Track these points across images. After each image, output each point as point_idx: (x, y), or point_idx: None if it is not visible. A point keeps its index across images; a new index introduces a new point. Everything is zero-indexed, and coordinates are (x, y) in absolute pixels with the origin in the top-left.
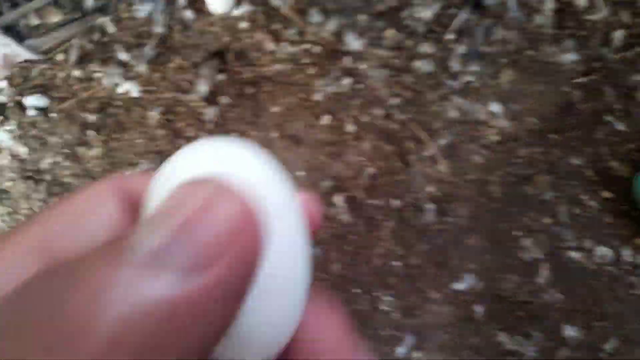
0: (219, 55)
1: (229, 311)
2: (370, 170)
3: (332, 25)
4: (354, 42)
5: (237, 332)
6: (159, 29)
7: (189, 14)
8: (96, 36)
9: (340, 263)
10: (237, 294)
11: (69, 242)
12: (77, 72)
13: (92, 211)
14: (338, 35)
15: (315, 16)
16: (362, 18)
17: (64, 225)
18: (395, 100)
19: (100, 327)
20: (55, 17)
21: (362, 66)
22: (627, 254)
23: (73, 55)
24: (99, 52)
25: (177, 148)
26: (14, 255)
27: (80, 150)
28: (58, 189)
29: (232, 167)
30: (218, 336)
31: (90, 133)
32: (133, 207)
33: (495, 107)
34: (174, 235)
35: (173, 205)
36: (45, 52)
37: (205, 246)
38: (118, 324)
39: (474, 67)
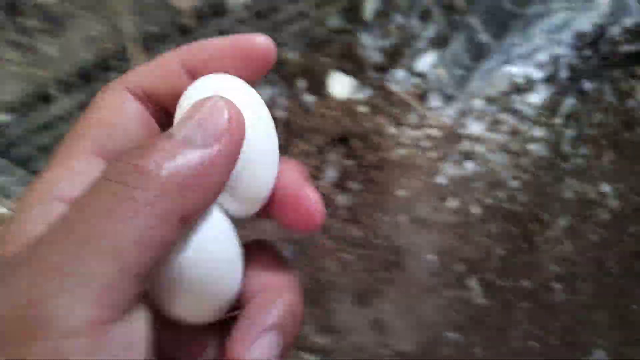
0: (343, 139)
1: (230, 166)
2: (499, 251)
3: (451, 110)
4: (472, 126)
5: (234, 185)
6: (280, 113)
7: (309, 98)
8: None
9: (480, 347)
10: (234, 155)
11: (118, 142)
12: None
13: (124, 114)
14: (457, 119)
15: (434, 101)
16: (478, 103)
17: (108, 129)
18: (515, 183)
19: (161, 174)
20: None
21: (482, 149)
22: None
23: None
24: None
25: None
26: (78, 162)
27: None
28: None
29: (228, 91)
30: (223, 184)
31: None
32: (146, 98)
33: (604, 186)
34: (196, 127)
35: (193, 112)
36: None
37: (214, 131)
38: (171, 173)
39: (582, 150)
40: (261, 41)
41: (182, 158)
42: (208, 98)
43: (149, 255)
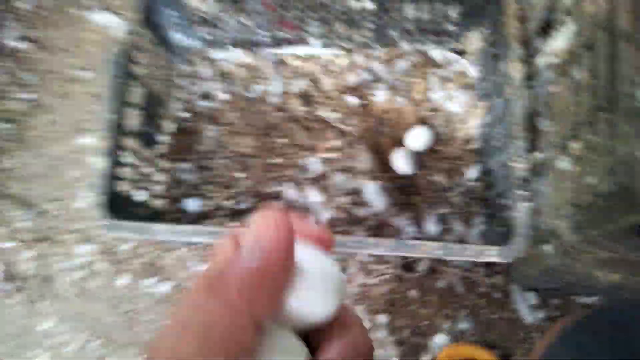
0: None
1: (286, 272)
2: None
3: None
4: None
5: (291, 307)
6: None
7: None
8: None
9: None
10: (287, 265)
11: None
12: None
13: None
14: None
15: None
16: None
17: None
18: None
19: (232, 278)
20: None
21: None
22: None
23: None
24: None
25: None
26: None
27: None
28: None
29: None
30: (282, 288)
31: None
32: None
33: None
34: (254, 243)
35: (252, 230)
36: None
37: (267, 245)
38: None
39: None
40: (331, 241)
41: (246, 269)
42: (264, 217)
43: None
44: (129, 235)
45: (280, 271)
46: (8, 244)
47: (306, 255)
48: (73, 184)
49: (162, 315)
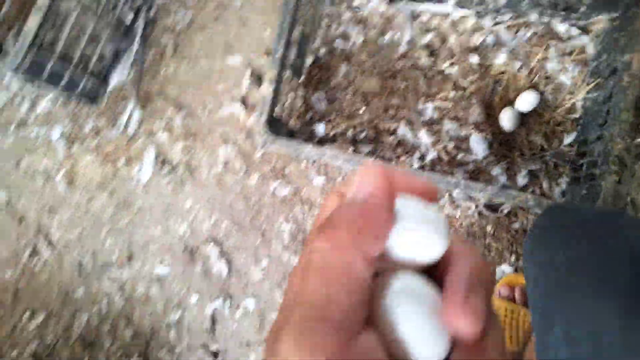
0: None
1: (386, 212)
2: None
3: None
4: None
5: (400, 249)
6: None
7: None
8: None
9: None
10: (386, 205)
11: None
12: None
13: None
14: None
15: None
16: None
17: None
18: None
19: (339, 221)
20: None
21: None
22: None
23: None
24: None
25: None
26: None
27: None
28: None
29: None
30: (383, 236)
31: None
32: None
33: None
34: (356, 191)
35: (355, 179)
36: None
37: (366, 192)
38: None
39: None
40: (437, 192)
41: (351, 212)
42: (364, 169)
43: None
44: (283, 149)
45: (381, 211)
46: (163, 135)
47: (410, 204)
48: (219, 94)
49: (280, 211)
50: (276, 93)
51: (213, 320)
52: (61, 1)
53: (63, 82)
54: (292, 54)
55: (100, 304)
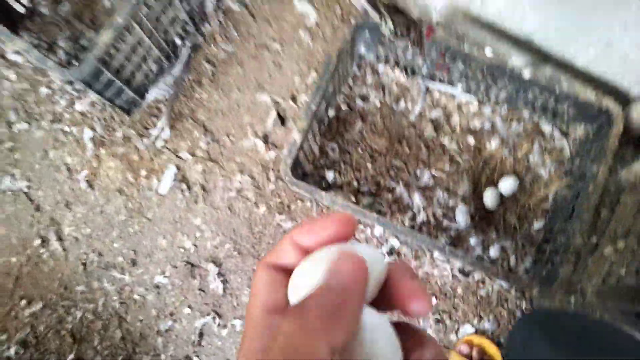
0: None
1: (360, 300)
2: None
3: None
4: None
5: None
6: None
7: None
8: None
9: None
10: (361, 291)
11: (273, 296)
12: None
13: (266, 280)
14: None
15: None
16: None
17: (268, 294)
18: None
19: (312, 304)
20: None
21: None
22: None
23: None
24: None
25: None
26: (257, 317)
27: None
28: None
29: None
30: (353, 327)
31: None
32: (277, 270)
33: None
34: (331, 275)
35: (331, 266)
36: None
37: (344, 276)
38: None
39: None
40: (353, 220)
41: (326, 298)
42: (341, 256)
43: None
44: (302, 193)
45: (355, 304)
46: (187, 155)
47: (370, 316)
48: (244, 126)
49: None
50: (303, 141)
51: (201, 334)
52: (134, 21)
53: (110, 94)
54: (321, 106)
55: (97, 302)
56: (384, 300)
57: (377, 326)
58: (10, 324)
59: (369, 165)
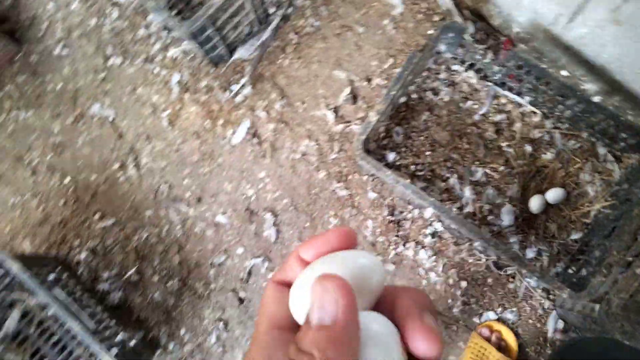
0: None
1: (356, 324)
2: None
3: None
4: None
5: None
6: None
7: None
8: None
9: None
10: (355, 317)
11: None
12: None
13: (276, 299)
14: None
15: None
16: None
17: (274, 309)
18: None
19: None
20: None
21: None
22: None
23: None
24: None
25: None
26: (264, 334)
27: None
28: None
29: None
30: (355, 343)
31: None
32: (283, 286)
33: None
34: (320, 310)
35: (315, 299)
36: None
37: (332, 309)
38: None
39: None
40: (353, 234)
41: (320, 338)
42: (320, 287)
43: None
44: (368, 168)
45: (348, 335)
46: (262, 113)
47: (369, 320)
48: (318, 97)
49: (333, 207)
50: (377, 122)
51: (249, 273)
52: None
53: (208, 46)
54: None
55: (162, 228)
56: (383, 307)
57: (377, 334)
58: (83, 233)
59: (428, 153)
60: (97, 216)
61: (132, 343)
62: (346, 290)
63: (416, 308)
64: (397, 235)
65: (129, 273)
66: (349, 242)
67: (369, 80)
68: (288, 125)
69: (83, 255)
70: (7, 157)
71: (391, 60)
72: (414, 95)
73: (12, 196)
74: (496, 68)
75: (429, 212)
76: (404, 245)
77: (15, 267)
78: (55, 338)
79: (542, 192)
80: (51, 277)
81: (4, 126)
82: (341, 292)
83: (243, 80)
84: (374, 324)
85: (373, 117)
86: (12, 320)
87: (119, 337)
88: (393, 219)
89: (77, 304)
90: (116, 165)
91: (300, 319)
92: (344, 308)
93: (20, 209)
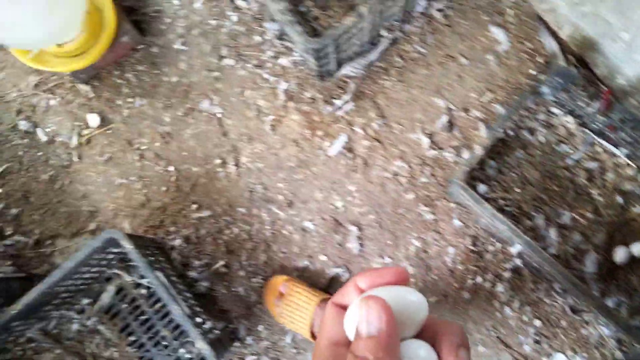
0: None
1: (397, 337)
2: None
3: None
4: None
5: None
6: None
7: None
8: None
9: None
10: (395, 331)
11: (335, 331)
12: None
13: (333, 316)
14: None
15: None
16: None
17: (333, 328)
18: None
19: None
20: None
21: None
22: None
23: None
24: None
25: None
26: (320, 347)
27: None
28: None
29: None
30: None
31: None
32: (341, 308)
33: None
34: (368, 325)
35: (365, 317)
36: None
37: (378, 325)
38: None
39: None
40: (406, 273)
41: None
42: (366, 305)
43: None
44: (466, 198)
45: (392, 341)
46: (359, 130)
47: (416, 346)
48: (415, 121)
49: (417, 229)
50: (483, 156)
51: (330, 280)
52: (369, 12)
53: (323, 62)
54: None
55: (252, 226)
56: (426, 336)
57: (424, 358)
58: (180, 220)
59: (518, 190)
60: (194, 206)
61: (216, 332)
62: (386, 307)
63: (454, 342)
64: (476, 266)
65: (218, 265)
66: (401, 280)
67: (466, 110)
68: (383, 144)
69: (177, 242)
70: (118, 140)
71: (490, 95)
72: (510, 132)
73: (119, 177)
74: (597, 117)
75: (516, 248)
76: (482, 276)
77: (128, 246)
78: (144, 317)
79: (628, 244)
80: (151, 258)
81: (119, 110)
82: (383, 309)
83: (346, 96)
84: (421, 349)
85: (479, 150)
86: (108, 294)
87: (207, 325)
88: (475, 249)
89: (175, 288)
90: (217, 161)
91: (352, 337)
92: (386, 321)
93: (125, 189)
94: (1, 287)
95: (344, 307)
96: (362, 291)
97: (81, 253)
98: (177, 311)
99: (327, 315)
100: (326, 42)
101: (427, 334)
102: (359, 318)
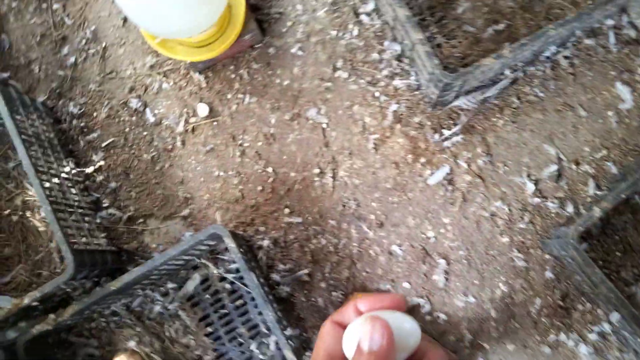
0: None
1: (393, 352)
2: None
3: None
4: None
5: None
6: None
7: None
8: None
9: None
10: (392, 349)
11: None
12: None
13: (332, 334)
14: None
15: None
16: None
17: (330, 343)
18: None
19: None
20: None
21: None
22: None
23: None
24: None
25: None
26: None
27: None
28: None
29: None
30: None
31: None
32: (339, 326)
33: None
34: (370, 341)
35: (365, 335)
36: None
37: (379, 342)
38: None
39: None
40: (403, 300)
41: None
42: (371, 324)
43: None
44: (574, 258)
45: (393, 354)
46: (463, 164)
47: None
48: (522, 164)
49: (506, 274)
50: (600, 218)
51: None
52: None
53: (445, 92)
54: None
55: (340, 240)
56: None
57: None
58: (270, 222)
59: (619, 254)
60: (286, 210)
61: (296, 340)
62: (387, 327)
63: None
64: (562, 322)
65: (301, 272)
66: (398, 307)
67: (577, 163)
68: (485, 182)
69: (265, 242)
70: (223, 133)
71: (604, 152)
72: (623, 195)
73: (218, 169)
74: None
75: (614, 317)
76: (566, 334)
77: (231, 244)
78: (224, 310)
79: None
80: (246, 257)
81: (228, 104)
82: (384, 328)
83: (455, 128)
84: None
85: (597, 212)
86: (193, 282)
87: (288, 332)
88: (563, 304)
89: (263, 289)
90: (316, 170)
91: (349, 355)
92: (387, 339)
93: (222, 182)
94: (98, 258)
95: (341, 326)
96: (360, 313)
97: (185, 244)
98: (271, 316)
99: (325, 331)
100: (461, 79)
101: (416, 355)
102: (363, 335)
